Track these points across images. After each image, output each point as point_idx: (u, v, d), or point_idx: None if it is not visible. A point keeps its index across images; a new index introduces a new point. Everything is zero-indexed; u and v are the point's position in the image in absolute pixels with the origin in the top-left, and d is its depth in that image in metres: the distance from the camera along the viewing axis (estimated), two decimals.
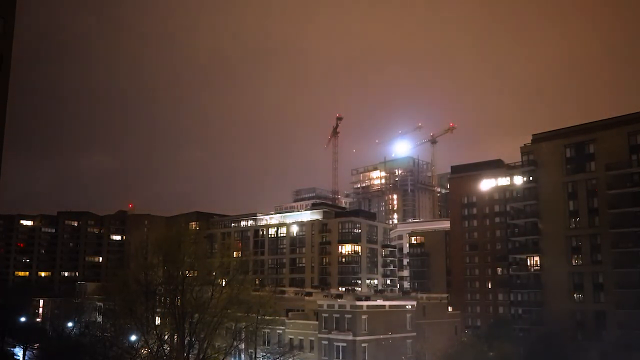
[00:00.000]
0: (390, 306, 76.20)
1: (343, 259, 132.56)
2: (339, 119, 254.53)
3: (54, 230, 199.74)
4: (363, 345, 69.18)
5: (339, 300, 74.47)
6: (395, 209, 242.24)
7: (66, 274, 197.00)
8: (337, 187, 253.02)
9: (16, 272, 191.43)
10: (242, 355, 74.97)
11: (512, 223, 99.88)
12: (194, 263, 56.79)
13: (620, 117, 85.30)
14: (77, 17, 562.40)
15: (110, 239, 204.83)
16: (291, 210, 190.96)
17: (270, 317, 67.48)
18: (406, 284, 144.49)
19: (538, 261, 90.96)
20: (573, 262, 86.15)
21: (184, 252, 54.94)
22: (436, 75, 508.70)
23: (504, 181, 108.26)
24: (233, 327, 60.14)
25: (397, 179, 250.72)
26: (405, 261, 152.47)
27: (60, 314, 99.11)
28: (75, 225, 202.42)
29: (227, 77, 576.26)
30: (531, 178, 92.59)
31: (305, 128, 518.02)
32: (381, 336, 71.34)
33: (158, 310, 58.92)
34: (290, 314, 79.08)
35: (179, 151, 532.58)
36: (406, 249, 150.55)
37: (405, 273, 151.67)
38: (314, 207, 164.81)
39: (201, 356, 54.11)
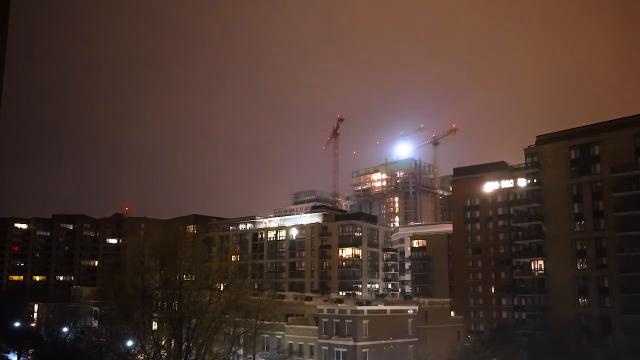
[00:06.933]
0: (391, 311, 75.14)
1: (343, 263, 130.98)
2: (340, 120, 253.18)
3: (48, 234, 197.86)
4: (364, 350, 68.31)
5: (339, 305, 73.26)
6: (396, 211, 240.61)
7: (61, 278, 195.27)
8: (338, 190, 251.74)
9: (10, 276, 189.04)
10: None
11: (515, 226, 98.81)
12: (192, 267, 56.19)
13: (626, 118, 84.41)
14: (75, 20, 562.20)
15: (106, 242, 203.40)
16: (291, 213, 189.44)
17: (270, 322, 66.68)
18: (408, 289, 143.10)
19: (542, 265, 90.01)
20: (578, 266, 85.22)
21: (182, 256, 54.33)
22: (438, 75, 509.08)
23: (507, 183, 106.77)
24: (231, 332, 59.32)
25: (398, 181, 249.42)
26: (407, 265, 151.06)
27: (55, 318, 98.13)
28: (71, 228, 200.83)
29: (225, 78, 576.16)
30: (535, 180, 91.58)
31: (306, 130, 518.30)
32: (382, 341, 70.51)
33: (155, 315, 58.45)
34: (289, 319, 77.98)
35: (176, 153, 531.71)
36: (408, 253, 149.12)
37: (407, 277, 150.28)
38: (313, 210, 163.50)
39: None
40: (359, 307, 70.22)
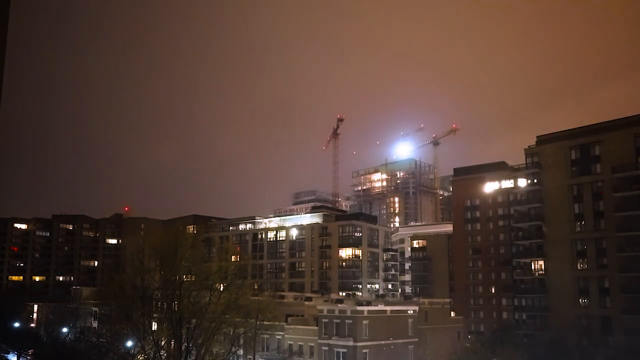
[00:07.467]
0: (391, 311, 74.94)
1: (343, 263, 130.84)
2: (340, 120, 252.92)
3: (48, 234, 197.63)
4: (364, 351, 68.13)
5: (339, 305, 73.07)
6: (396, 212, 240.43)
7: (61, 278, 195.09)
8: (338, 190, 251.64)
9: (10, 277, 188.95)
10: None
11: (516, 226, 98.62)
12: (192, 267, 55.96)
13: (626, 118, 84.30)
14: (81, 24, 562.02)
15: (106, 242, 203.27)
16: (291, 213, 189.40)
17: (269, 323, 66.49)
18: (408, 289, 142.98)
19: (542, 265, 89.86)
20: (578, 266, 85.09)
21: (181, 256, 54.09)
22: (439, 75, 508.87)
23: (507, 184, 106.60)
24: (231, 333, 59.05)
25: (398, 181, 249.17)
26: (407, 265, 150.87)
27: (55, 319, 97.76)
28: (70, 228, 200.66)
29: (226, 78, 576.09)
30: (535, 180, 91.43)
31: (306, 130, 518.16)
32: (382, 342, 70.34)
33: (155, 315, 58.26)
34: (289, 319, 77.82)
35: (175, 153, 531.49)
36: (408, 253, 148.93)
37: (407, 277, 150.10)
38: (313, 210, 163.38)
39: None
40: (359, 308, 70.00)
